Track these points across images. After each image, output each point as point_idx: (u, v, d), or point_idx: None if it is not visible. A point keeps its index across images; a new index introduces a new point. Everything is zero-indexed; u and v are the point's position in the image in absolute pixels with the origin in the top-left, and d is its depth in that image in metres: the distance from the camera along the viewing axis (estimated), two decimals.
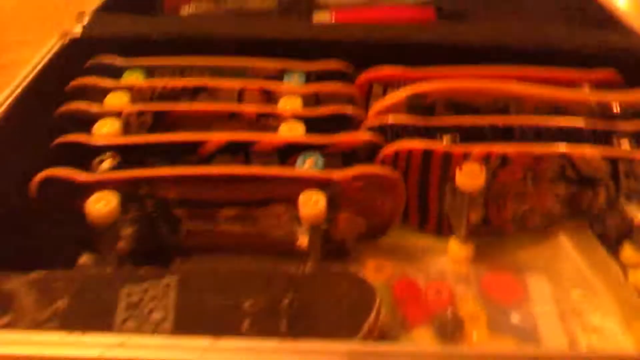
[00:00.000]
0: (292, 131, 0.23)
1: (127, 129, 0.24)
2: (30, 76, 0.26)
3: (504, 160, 0.22)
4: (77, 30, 0.29)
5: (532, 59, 0.27)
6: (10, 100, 0.25)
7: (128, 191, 0.21)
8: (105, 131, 0.23)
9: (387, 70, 0.27)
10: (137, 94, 0.26)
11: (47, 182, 0.21)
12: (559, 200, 0.22)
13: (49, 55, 0.28)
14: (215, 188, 0.21)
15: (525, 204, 0.23)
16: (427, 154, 0.22)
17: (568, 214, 0.23)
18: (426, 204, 0.23)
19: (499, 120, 0.23)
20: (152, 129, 0.24)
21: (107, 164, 0.22)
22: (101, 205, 0.20)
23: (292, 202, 0.21)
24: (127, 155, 0.22)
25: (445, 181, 0.22)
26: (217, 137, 0.23)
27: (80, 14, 0.30)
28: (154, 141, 0.23)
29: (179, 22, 0.31)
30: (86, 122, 0.24)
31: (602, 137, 0.22)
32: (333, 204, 0.21)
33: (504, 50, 0.27)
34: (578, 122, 0.22)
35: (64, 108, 0.25)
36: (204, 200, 0.21)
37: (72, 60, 0.28)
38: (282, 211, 0.21)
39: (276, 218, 0.22)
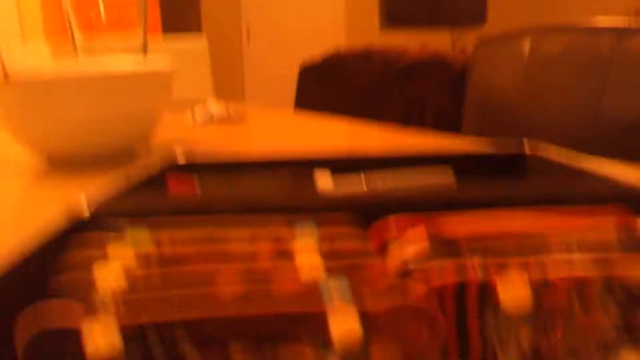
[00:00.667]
0: (310, 263, 0.22)
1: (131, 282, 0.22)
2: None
3: (546, 284, 0.20)
4: (83, 210, 0.29)
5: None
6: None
7: (130, 330, 0.18)
8: (108, 284, 0.21)
9: (404, 221, 0.26)
10: (142, 257, 0.24)
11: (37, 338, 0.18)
12: (614, 328, 0.20)
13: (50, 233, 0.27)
14: (229, 321, 0.19)
15: (577, 329, 0.20)
16: (462, 287, 0.20)
17: (625, 343, 0.20)
18: (465, 335, 0.20)
19: (530, 259, 0.22)
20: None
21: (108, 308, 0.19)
22: (100, 334, 0.17)
23: (319, 338, 0.18)
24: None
25: (485, 307, 0.20)
26: (230, 276, 0.21)
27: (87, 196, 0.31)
28: (161, 297, 0.21)
29: (188, 201, 0.31)
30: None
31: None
32: (366, 339, 0.18)
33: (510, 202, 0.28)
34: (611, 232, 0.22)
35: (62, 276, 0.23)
36: (215, 335, 0.19)
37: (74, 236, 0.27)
38: (308, 353, 0.19)
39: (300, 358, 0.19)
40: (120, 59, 0.63)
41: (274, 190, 0.35)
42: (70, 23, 0.71)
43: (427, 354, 0.19)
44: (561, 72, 0.97)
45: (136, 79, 0.57)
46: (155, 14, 1.05)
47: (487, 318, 0.20)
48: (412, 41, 2.58)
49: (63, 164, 0.57)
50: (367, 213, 0.28)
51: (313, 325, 0.18)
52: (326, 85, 2.08)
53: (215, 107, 0.90)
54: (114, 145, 0.59)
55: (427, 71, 1.87)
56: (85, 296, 0.20)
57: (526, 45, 1.01)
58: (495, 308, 0.20)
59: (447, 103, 1.72)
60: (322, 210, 0.28)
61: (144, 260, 0.23)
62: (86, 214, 0.28)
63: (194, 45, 1.08)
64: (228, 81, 3.33)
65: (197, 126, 0.85)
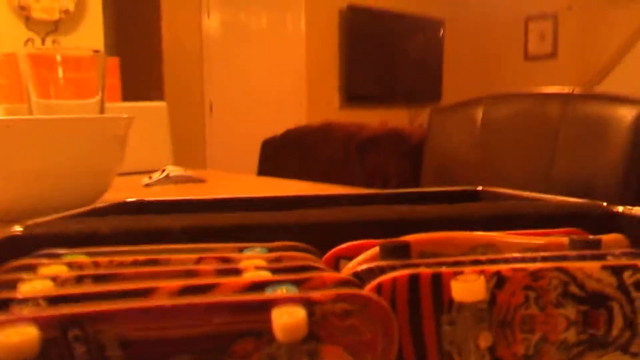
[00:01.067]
0: (257, 276, 0.20)
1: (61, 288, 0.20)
2: None
3: (500, 279, 0.19)
4: (19, 228, 0.27)
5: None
6: None
7: (51, 336, 0.16)
8: (33, 288, 0.20)
9: (355, 244, 0.26)
10: (77, 267, 0.23)
11: None
12: (572, 324, 0.19)
13: None
14: (164, 324, 0.17)
15: (536, 333, 0.19)
16: (414, 280, 0.19)
17: (587, 346, 0.19)
18: (422, 340, 0.19)
19: (481, 257, 0.21)
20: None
21: (27, 308, 0.18)
22: (13, 336, 0.15)
23: (264, 335, 0.17)
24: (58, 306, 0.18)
25: (440, 311, 0.19)
26: (168, 284, 0.19)
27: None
28: (90, 292, 0.19)
29: (129, 218, 0.30)
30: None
31: (592, 253, 0.21)
32: (314, 333, 0.17)
33: (462, 221, 0.27)
34: (563, 241, 0.21)
35: None
36: (150, 342, 0.17)
37: (8, 256, 0.25)
38: (251, 348, 0.17)
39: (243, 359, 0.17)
40: (74, 110, 0.62)
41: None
42: (27, 87, 0.70)
43: (378, 351, 0.18)
44: (513, 137, 1.01)
45: (90, 124, 0.54)
46: (116, 82, 1.04)
47: (442, 322, 0.19)
48: (370, 118, 2.66)
49: (5, 216, 0.54)
50: (320, 240, 0.27)
51: (256, 319, 0.17)
52: (288, 157, 2.10)
53: (173, 169, 0.88)
54: (63, 201, 0.55)
55: (386, 144, 1.92)
56: (3, 300, 0.18)
57: (479, 112, 1.05)
58: (450, 308, 0.19)
59: (407, 174, 1.76)
60: (273, 239, 0.27)
61: (76, 274, 0.22)
62: (19, 231, 0.26)
63: (153, 108, 1.06)
64: (190, 154, 3.33)
65: (153, 183, 0.83)
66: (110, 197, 0.67)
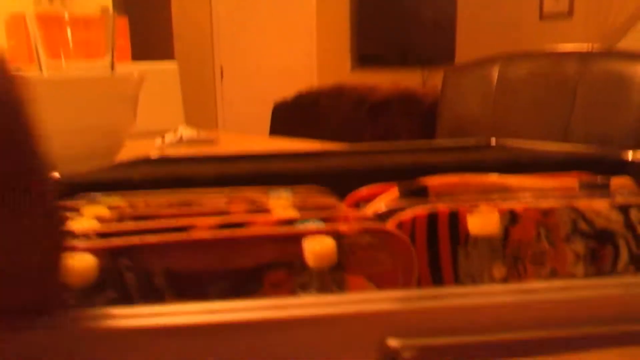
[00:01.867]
0: (286, 213, 0.22)
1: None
2: None
3: (513, 216, 0.21)
4: (56, 175, 0.29)
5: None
6: None
7: (105, 264, 0.18)
8: (82, 225, 0.21)
9: (374, 188, 0.27)
10: (115, 208, 0.24)
11: None
12: (580, 259, 0.21)
13: None
14: (205, 256, 0.19)
15: (546, 266, 0.21)
16: (433, 217, 0.21)
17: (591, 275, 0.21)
18: (439, 273, 0.21)
19: (495, 197, 0.23)
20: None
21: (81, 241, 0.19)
22: (75, 262, 0.17)
23: (295, 265, 0.18)
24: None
25: (456, 245, 0.20)
26: (205, 221, 0.21)
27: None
28: (136, 229, 0.21)
29: (157, 168, 0.31)
30: None
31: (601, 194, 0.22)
32: (340, 264, 0.19)
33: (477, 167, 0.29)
34: (573, 183, 0.22)
35: None
36: (192, 273, 0.19)
37: None
38: (283, 278, 0.19)
39: (273, 289, 0.19)
40: (86, 70, 0.62)
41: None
42: (37, 48, 0.70)
43: (398, 282, 0.20)
44: (529, 96, 1.00)
45: (101, 83, 0.54)
46: (125, 42, 1.03)
47: (459, 255, 0.21)
48: (382, 79, 2.64)
49: None
50: (340, 186, 0.28)
51: (288, 250, 0.18)
52: (299, 121, 2.10)
53: (186, 131, 0.88)
54: (75, 161, 0.52)
55: (399, 106, 1.91)
56: None
57: (494, 72, 1.05)
58: (467, 242, 0.20)
59: (420, 136, 1.75)
60: (295, 183, 0.28)
61: (118, 214, 0.23)
62: (57, 177, 0.28)
63: (165, 69, 1.06)
64: (201, 117, 3.33)
65: (166, 147, 0.83)
66: (124, 156, 0.68)
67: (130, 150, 0.62)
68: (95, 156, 0.56)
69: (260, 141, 0.98)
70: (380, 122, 1.92)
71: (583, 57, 0.94)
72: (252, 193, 0.26)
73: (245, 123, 3.61)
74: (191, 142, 0.86)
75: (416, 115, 1.82)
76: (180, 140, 0.85)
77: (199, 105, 3.46)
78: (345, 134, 2.02)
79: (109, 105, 0.55)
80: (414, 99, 1.86)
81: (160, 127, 1.02)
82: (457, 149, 0.40)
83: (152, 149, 0.84)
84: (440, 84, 1.25)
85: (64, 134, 0.51)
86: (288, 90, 2.33)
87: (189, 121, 1.15)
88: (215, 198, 0.25)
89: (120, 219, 0.23)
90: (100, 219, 0.22)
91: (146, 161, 0.39)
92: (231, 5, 3.73)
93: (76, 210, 0.23)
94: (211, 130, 1.05)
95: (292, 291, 0.19)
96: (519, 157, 0.29)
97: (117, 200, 0.25)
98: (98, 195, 0.26)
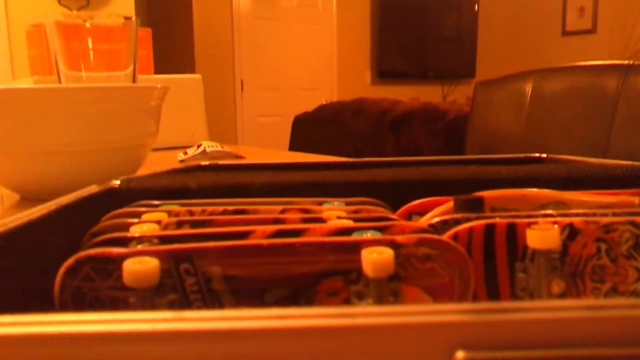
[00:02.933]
0: (343, 223, 0.22)
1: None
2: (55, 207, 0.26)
3: (572, 231, 0.20)
4: (116, 182, 0.30)
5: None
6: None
7: (166, 268, 0.19)
8: (143, 230, 0.22)
9: (428, 200, 0.27)
10: (174, 214, 0.25)
11: (76, 265, 0.19)
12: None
13: (82, 196, 0.28)
14: (263, 262, 0.19)
15: (606, 282, 0.20)
16: (490, 229, 0.21)
17: None
18: (495, 286, 0.20)
19: (553, 212, 0.22)
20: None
21: (144, 244, 0.20)
22: (139, 265, 0.17)
23: (351, 274, 0.19)
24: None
25: (514, 259, 0.20)
26: (263, 228, 0.21)
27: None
28: (196, 233, 0.21)
29: (214, 175, 0.32)
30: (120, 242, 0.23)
31: None
32: (397, 274, 0.19)
33: (531, 180, 0.28)
34: (633, 199, 0.22)
35: (99, 225, 0.24)
36: (249, 278, 0.19)
37: (106, 206, 0.28)
38: (340, 286, 0.19)
39: (328, 297, 0.19)
40: (105, 82, 0.58)
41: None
42: (56, 58, 0.66)
43: (455, 294, 0.20)
44: (566, 111, 0.98)
45: (123, 94, 0.50)
46: (148, 53, 1.02)
47: (516, 269, 0.20)
48: (402, 95, 2.62)
49: (36, 196, 0.50)
50: (392, 198, 0.28)
51: (346, 259, 0.19)
52: (319, 134, 2.10)
53: (210, 145, 0.86)
54: (96, 175, 0.46)
55: (420, 121, 1.88)
56: (122, 242, 0.21)
57: (528, 86, 1.03)
58: (524, 256, 0.20)
59: (442, 151, 1.73)
60: (347, 196, 0.28)
61: (177, 220, 0.24)
62: (116, 184, 0.29)
63: (188, 81, 1.05)
64: (221, 131, 3.36)
65: (190, 160, 0.81)
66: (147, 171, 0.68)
67: (152, 161, 0.59)
68: (116, 171, 0.50)
69: (285, 157, 0.97)
70: (402, 137, 1.90)
71: (624, 71, 0.92)
72: (306, 204, 0.27)
73: (266, 137, 3.65)
74: (215, 154, 0.83)
75: (438, 130, 1.80)
76: (204, 153, 0.83)
77: (219, 118, 3.50)
78: (366, 147, 2.01)
79: (131, 118, 0.52)
80: (436, 113, 1.84)
81: (183, 142, 1.00)
82: (509, 162, 0.39)
83: (175, 162, 0.82)
84: (460, 99, 1.23)
85: (84, 145, 0.50)
86: (308, 104, 2.33)
87: (210, 134, 1.15)
88: (270, 206, 0.26)
89: (179, 224, 0.24)
90: (161, 224, 0.23)
91: (199, 168, 0.40)
92: (253, 18, 3.77)
93: (137, 215, 0.24)
94: (233, 146, 1.04)
95: (347, 300, 0.19)
96: (576, 171, 0.28)
97: (175, 206, 0.26)
98: (156, 202, 0.27)
